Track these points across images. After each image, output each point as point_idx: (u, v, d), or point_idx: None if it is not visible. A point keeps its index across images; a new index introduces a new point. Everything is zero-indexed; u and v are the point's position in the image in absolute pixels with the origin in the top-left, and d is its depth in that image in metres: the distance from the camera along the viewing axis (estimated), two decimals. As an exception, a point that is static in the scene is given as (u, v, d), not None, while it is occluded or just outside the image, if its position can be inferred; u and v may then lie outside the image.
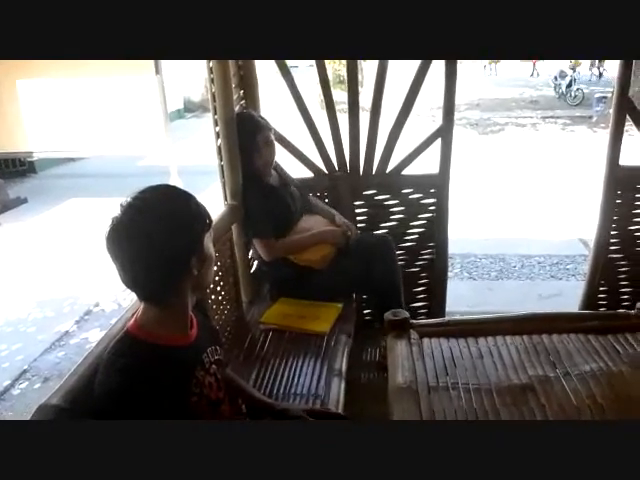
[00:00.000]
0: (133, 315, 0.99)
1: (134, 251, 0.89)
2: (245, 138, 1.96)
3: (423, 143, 2.23)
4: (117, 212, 0.90)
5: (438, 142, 2.21)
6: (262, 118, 2.05)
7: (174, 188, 0.98)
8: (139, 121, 4.64)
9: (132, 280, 0.92)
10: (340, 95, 3.25)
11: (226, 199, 2.02)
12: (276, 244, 2.00)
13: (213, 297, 1.74)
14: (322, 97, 2.19)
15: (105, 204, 1.69)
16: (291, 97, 2.17)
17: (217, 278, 1.78)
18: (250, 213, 1.98)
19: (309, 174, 2.32)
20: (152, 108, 4.55)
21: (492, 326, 1.56)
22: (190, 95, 11.38)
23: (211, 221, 0.99)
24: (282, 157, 2.14)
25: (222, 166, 1.98)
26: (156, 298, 0.95)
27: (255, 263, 2.29)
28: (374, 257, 2.07)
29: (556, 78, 12.51)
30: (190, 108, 11.52)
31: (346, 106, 2.19)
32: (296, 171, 2.28)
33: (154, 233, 0.88)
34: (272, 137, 2.03)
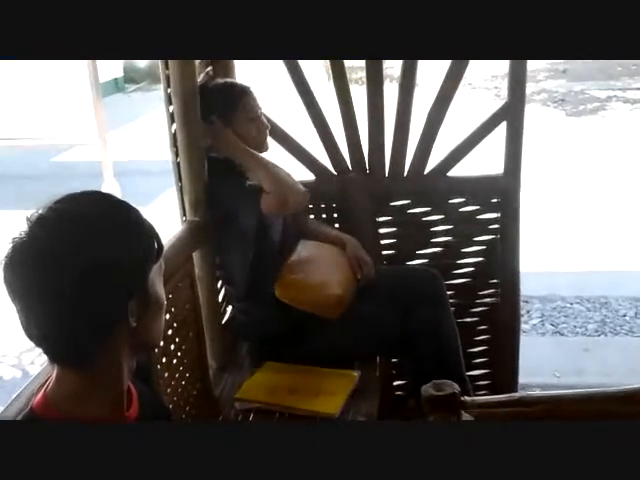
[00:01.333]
0: (42, 387, 1.00)
1: (43, 287, 0.90)
2: (217, 115, 2.00)
3: (480, 129, 2.26)
4: (21, 231, 0.92)
5: (503, 127, 2.25)
6: (242, 85, 2.10)
7: (107, 197, 1.00)
8: (56, 97, 4.69)
9: (39, 331, 0.92)
10: (356, 60, 3.32)
11: (184, 213, 2.05)
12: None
13: (164, 360, 1.74)
14: (329, 63, 2.24)
15: (4, 218, 1.71)
16: (282, 63, 2.22)
17: (170, 332, 1.79)
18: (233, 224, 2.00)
19: (309, 176, 2.35)
20: (76, 77, 4.62)
21: (591, 406, 1.56)
22: (133, 59, 11.58)
23: (161, 247, 1.00)
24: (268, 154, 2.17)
25: (178, 164, 2.01)
26: (75, 360, 0.95)
27: (229, 309, 2.30)
28: (412, 301, 2.09)
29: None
30: (133, 77, 11.70)
31: (364, 75, 2.23)
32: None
33: (74, 262, 0.89)
34: (259, 110, 2.09)
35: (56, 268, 0.89)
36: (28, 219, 0.92)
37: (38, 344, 0.94)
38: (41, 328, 0.91)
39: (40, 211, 0.93)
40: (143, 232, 0.97)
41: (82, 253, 0.90)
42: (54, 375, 0.98)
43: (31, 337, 0.93)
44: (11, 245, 0.90)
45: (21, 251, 0.90)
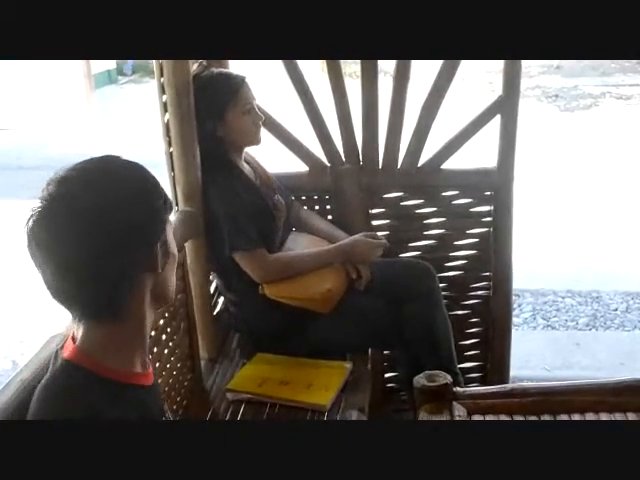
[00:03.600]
0: (65, 344, 1.04)
1: (79, 236, 0.93)
2: (209, 106, 2.00)
3: (473, 123, 2.27)
4: (44, 192, 0.95)
5: (496, 122, 2.25)
6: (237, 75, 2.10)
7: (120, 157, 1.06)
8: (48, 88, 4.68)
9: (77, 283, 0.95)
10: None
11: (177, 203, 2.05)
12: (270, 258, 2.04)
13: (156, 350, 1.75)
14: (323, 54, 2.24)
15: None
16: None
17: (162, 322, 1.79)
18: (220, 217, 2.01)
19: (302, 168, 2.36)
20: (69, 69, 4.61)
21: (581, 398, 1.57)
22: (131, 59, 11.58)
23: (172, 204, 1.08)
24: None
25: (171, 154, 2.01)
26: (106, 311, 0.99)
27: (220, 300, 2.30)
28: (405, 294, 2.10)
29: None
30: (126, 69, 11.70)
31: (358, 69, 2.23)
32: (277, 165, 2.32)
33: (105, 207, 0.94)
34: (254, 101, 2.09)
35: (90, 216, 0.94)
36: (49, 182, 0.96)
37: (71, 300, 0.98)
38: (77, 281, 0.95)
39: (60, 173, 0.98)
40: (159, 185, 1.05)
41: (112, 200, 0.96)
42: (81, 331, 1.01)
43: (64, 295, 0.97)
44: (39, 205, 0.95)
45: (52, 207, 0.94)
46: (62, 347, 1.04)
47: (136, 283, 1.00)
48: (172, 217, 1.10)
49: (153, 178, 1.05)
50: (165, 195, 1.05)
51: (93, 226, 0.93)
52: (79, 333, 1.01)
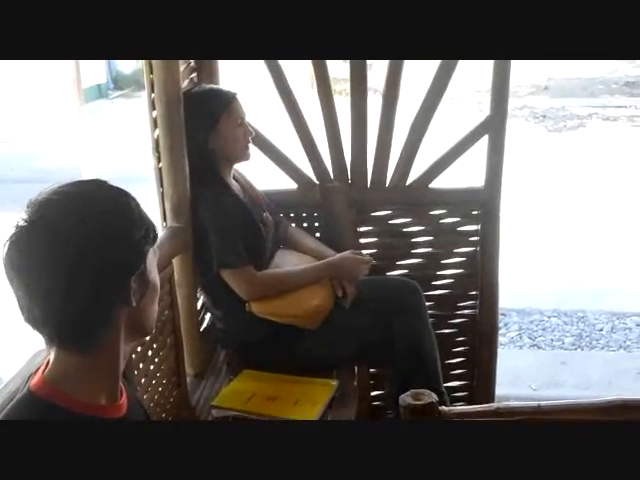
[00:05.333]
0: (37, 371, 1.01)
1: (52, 265, 0.92)
2: (202, 117, 2.01)
3: (462, 142, 2.29)
4: (24, 215, 0.94)
5: (484, 141, 2.28)
6: (229, 91, 2.11)
7: (106, 183, 1.03)
8: (38, 101, 4.69)
9: (44, 312, 0.94)
10: (340, 70, 3.34)
11: (165, 219, 2.05)
12: (257, 276, 2.04)
13: (142, 366, 1.74)
14: (313, 72, 2.26)
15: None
16: (266, 70, 2.24)
17: (148, 338, 1.78)
18: (207, 233, 2.01)
19: (291, 185, 2.36)
20: (59, 83, 4.62)
21: (567, 417, 1.57)
22: (118, 65, 11.58)
23: (156, 234, 1.04)
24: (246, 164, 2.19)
25: (160, 169, 2.01)
26: (77, 340, 0.97)
27: (207, 316, 2.30)
28: (391, 312, 2.11)
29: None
30: (117, 84, 11.70)
31: (348, 87, 2.25)
32: (266, 182, 2.33)
33: (81, 237, 0.92)
34: (245, 116, 2.10)
35: (65, 244, 0.92)
36: (30, 203, 0.95)
37: (40, 326, 0.96)
38: (46, 308, 0.94)
39: (41, 196, 0.96)
40: (142, 214, 1.02)
41: (88, 227, 0.93)
42: (52, 358, 1.00)
43: (34, 320, 0.95)
44: (17, 227, 0.93)
45: (26, 232, 0.93)
46: (35, 372, 1.02)
47: (109, 316, 0.98)
48: (157, 241, 1.06)
49: (137, 207, 1.01)
50: (148, 225, 1.02)
51: (66, 255, 0.92)
52: (50, 359, 0.99)
